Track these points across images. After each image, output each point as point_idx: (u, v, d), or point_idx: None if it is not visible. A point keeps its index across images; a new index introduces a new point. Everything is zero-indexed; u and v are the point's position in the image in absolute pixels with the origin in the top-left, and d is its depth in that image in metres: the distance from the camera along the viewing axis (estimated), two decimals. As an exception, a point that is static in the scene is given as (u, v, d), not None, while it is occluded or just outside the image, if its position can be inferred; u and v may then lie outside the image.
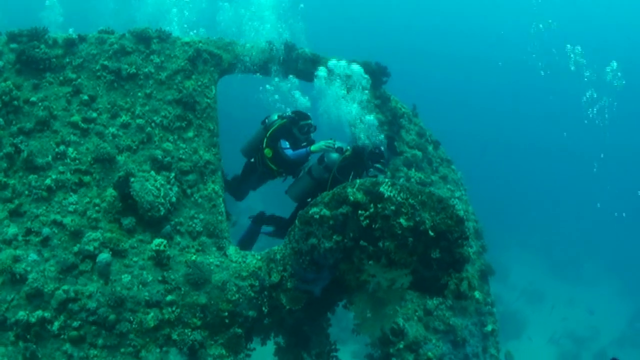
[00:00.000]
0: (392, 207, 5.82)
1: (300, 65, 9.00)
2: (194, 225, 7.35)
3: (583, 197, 50.76)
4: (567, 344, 23.92)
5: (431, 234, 5.79)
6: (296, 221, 6.67)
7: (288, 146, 9.19)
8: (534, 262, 31.38)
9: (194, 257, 7.04)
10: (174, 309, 6.69)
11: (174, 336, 6.62)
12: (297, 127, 9.30)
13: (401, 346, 7.97)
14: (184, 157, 7.63)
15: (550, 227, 38.78)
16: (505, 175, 49.44)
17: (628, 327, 26.39)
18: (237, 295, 6.86)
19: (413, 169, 9.16)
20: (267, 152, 9.33)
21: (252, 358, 8.40)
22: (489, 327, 9.01)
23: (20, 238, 6.70)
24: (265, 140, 9.37)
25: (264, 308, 6.95)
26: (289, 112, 9.55)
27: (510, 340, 22.30)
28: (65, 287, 6.44)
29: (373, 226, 5.89)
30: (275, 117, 9.52)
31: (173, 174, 7.46)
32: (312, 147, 8.88)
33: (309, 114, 9.39)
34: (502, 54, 60.51)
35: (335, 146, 8.66)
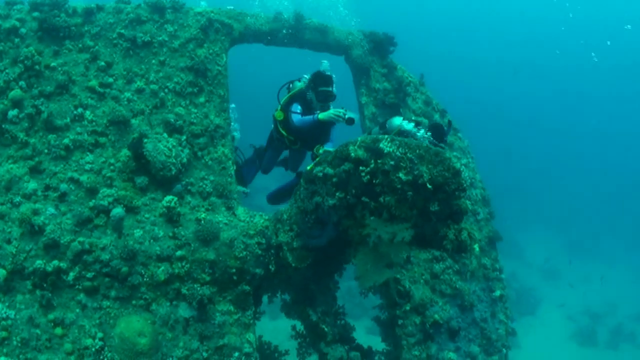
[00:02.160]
0: (392, 162, 5.95)
1: (308, 35, 9.18)
2: (204, 186, 7.63)
3: (601, 173, 50.27)
4: (583, 320, 23.73)
5: (429, 186, 5.90)
6: (301, 180, 6.89)
7: (299, 111, 8.52)
8: (551, 239, 31.12)
9: (203, 215, 7.32)
10: (183, 264, 6.98)
11: (184, 290, 6.90)
12: (315, 92, 8.46)
13: (407, 308, 8.12)
14: (195, 121, 7.92)
15: (567, 203, 38.45)
16: (522, 151, 49.10)
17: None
18: (244, 253, 7.11)
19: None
20: (278, 114, 8.78)
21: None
22: (497, 293, 9.09)
23: (39, 193, 7.06)
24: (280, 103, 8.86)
25: (270, 266, 7.18)
26: (307, 76, 8.86)
27: (525, 316, 22.30)
28: (81, 239, 6.77)
29: (374, 181, 6.03)
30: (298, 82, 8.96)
31: (185, 137, 7.76)
32: (320, 116, 8.15)
33: (332, 79, 8.51)
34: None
35: (346, 116, 8.00)
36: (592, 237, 32.72)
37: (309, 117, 8.38)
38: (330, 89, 8.42)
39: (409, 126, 7.76)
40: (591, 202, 41.28)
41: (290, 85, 9.09)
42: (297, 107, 8.60)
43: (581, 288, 26.14)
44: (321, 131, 8.67)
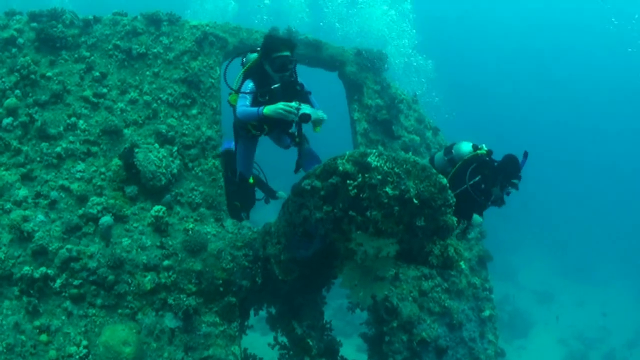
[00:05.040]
0: (379, 177, 5.94)
1: (302, 50, 9.27)
2: (193, 196, 7.68)
3: (595, 197, 50.07)
4: (575, 344, 23.54)
5: (415, 202, 5.91)
6: (290, 194, 6.92)
7: (249, 89, 6.78)
8: (545, 263, 31.00)
9: (191, 226, 7.36)
10: (170, 273, 7.01)
11: (170, 301, 6.91)
12: (269, 61, 6.74)
13: (395, 325, 8.11)
14: (187, 132, 8.01)
15: (562, 227, 38.31)
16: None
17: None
18: (231, 264, 7.14)
19: (410, 153, 9.31)
20: (232, 98, 7.04)
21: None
22: (487, 313, 9.07)
23: (29, 200, 7.13)
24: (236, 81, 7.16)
25: (257, 279, 7.19)
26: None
27: (518, 339, 22.21)
28: (69, 246, 6.81)
29: (361, 196, 6.05)
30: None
31: (176, 148, 7.84)
32: (265, 110, 6.53)
33: (287, 40, 6.93)
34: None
35: (300, 112, 6.52)
36: (587, 260, 32.64)
37: (252, 110, 6.71)
38: (286, 53, 6.71)
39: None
40: (586, 225, 41.19)
41: (244, 60, 7.40)
42: (248, 85, 6.85)
43: (574, 312, 26.05)
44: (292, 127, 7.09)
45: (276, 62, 6.71)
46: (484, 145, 7.46)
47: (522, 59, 62.68)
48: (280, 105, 6.49)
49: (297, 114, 6.54)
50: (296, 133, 7.20)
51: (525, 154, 7.28)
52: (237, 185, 8.44)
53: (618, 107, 60.80)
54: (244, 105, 6.76)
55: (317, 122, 6.78)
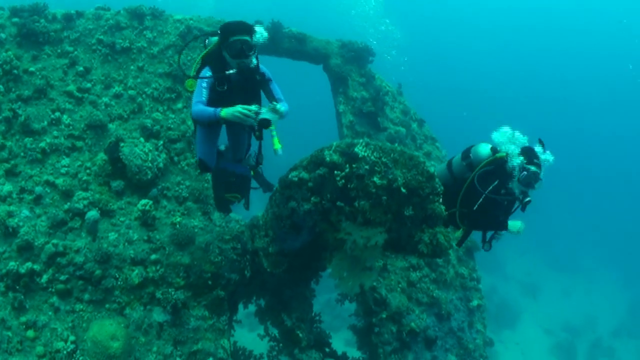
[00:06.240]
0: (366, 167, 5.97)
1: (286, 43, 9.28)
2: (180, 190, 7.65)
3: (580, 188, 50.48)
4: (562, 334, 23.74)
5: (403, 190, 5.93)
6: (277, 186, 6.91)
7: (208, 75, 6.34)
8: (532, 254, 31.17)
9: (178, 219, 7.33)
10: (158, 267, 6.96)
11: (158, 295, 6.87)
12: (226, 45, 6.24)
13: (384, 316, 8.13)
14: (172, 126, 7.99)
15: (548, 218, 38.57)
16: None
17: (627, 317, 26.14)
18: (219, 258, 7.09)
19: (396, 145, 9.33)
20: (189, 84, 6.54)
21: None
22: (475, 303, 9.13)
23: (14, 196, 7.06)
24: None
25: (246, 272, 7.18)
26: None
27: (505, 330, 22.33)
28: (55, 241, 6.75)
29: (349, 186, 6.05)
30: None
31: (161, 142, 7.81)
32: (223, 113, 6.04)
33: (250, 24, 6.29)
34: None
35: (259, 117, 6.02)
36: (573, 251, 32.89)
37: (209, 111, 6.18)
38: (245, 37, 6.16)
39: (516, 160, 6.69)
40: (572, 216, 41.53)
41: (206, 42, 6.90)
42: (205, 74, 6.40)
43: (561, 302, 26.24)
44: (250, 97, 6.40)
45: (233, 47, 6.20)
46: (502, 149, 7.04)
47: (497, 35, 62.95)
48: (238, 108, 6.04)
49: (255, 118, 6.09)
50: (256, 127, 6.65)
51: (541, 143, 7.03)
52: (236, 177, 8.18)
53: (599, 102, 61.41)
54: (199, 102, 6.30)
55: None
